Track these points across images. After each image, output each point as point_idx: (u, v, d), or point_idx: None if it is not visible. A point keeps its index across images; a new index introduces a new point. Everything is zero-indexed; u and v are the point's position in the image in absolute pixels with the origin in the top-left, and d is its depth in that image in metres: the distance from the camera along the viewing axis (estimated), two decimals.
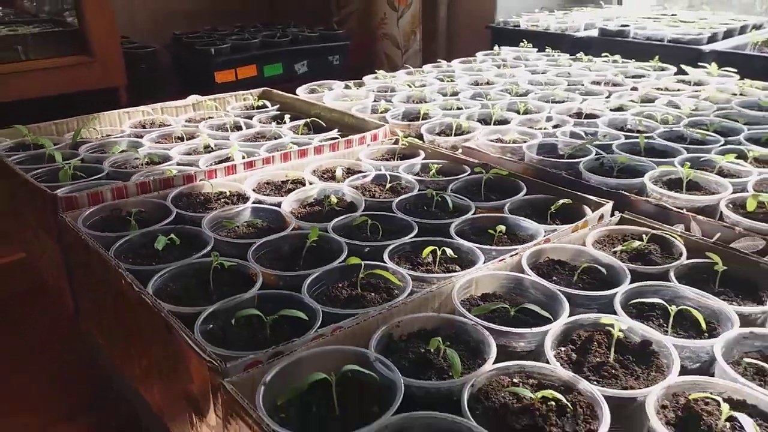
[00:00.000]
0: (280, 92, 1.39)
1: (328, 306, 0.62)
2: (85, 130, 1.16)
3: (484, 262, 0.70)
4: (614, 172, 0.93)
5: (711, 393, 0.53)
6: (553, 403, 0.51)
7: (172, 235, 0.73)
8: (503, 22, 2.06)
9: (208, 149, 1.07)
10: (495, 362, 0.55)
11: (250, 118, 1.25)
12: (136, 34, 2.10)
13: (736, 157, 0.93)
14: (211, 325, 0.60)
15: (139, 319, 0.65)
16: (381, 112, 1.27)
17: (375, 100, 1.36)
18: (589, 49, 1.77)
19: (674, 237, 0.75)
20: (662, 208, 0.81)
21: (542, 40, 1.87)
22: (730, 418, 0.50)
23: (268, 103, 1.34)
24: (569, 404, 0.51)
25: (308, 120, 1.22)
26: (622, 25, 1.79)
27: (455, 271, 0.70)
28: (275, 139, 1.12)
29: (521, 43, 1.85)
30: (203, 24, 2.21)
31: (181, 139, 1.13)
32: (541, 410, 0.51)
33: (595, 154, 0.97)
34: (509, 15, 2.13)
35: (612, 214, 0.83)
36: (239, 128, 1.19)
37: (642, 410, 0.51)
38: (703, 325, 0.61)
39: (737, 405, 0.52)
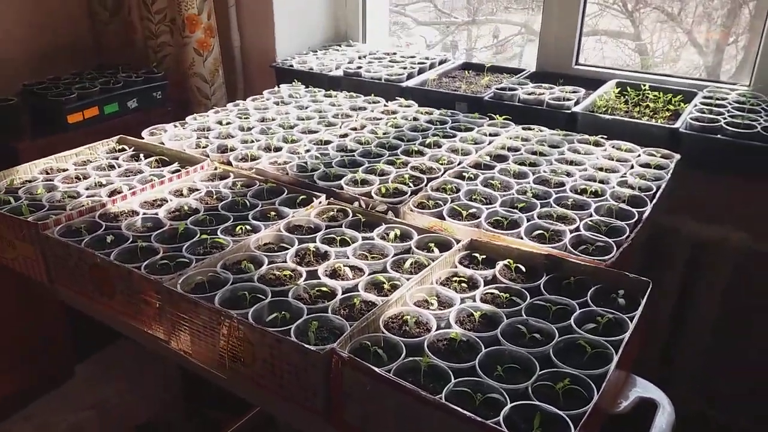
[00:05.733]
0: (132, 138, 2.11)
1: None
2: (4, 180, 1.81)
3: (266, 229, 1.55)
4: (331, 178, 1.83)
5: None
6: None
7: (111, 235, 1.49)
8: (281, 62, 2.89)
9: (99, 185, 1.79)
10: None
11: (117, 158, 1.97)
12: None
13: (388, 164, 1.89)
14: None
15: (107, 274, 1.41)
16: (203, 147, 2.06)
17: (198, 138, 2.14)
18: (338, 86, 2.68)
19: (348, 208, 1.66)
20: (351, 195, 1.73)
21: (308, 78, 2.75)
22: None
23: (126, 147, 2.06)
24: None
25: (156, 157, 1.98)
26: (358, 67, 2.72)
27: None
28: (140, 173, 1.87)
29: (293, 82, 2.71)
30: (32, 72, 2.75)
31: (79, 178, 1.83)
32: None
33: (322, 169, 1.87)
34: (288, 55, 2.97)
35: (328, 201, 1.73)
36: (113, 167, 1.91)
37: None
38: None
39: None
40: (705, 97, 2.23)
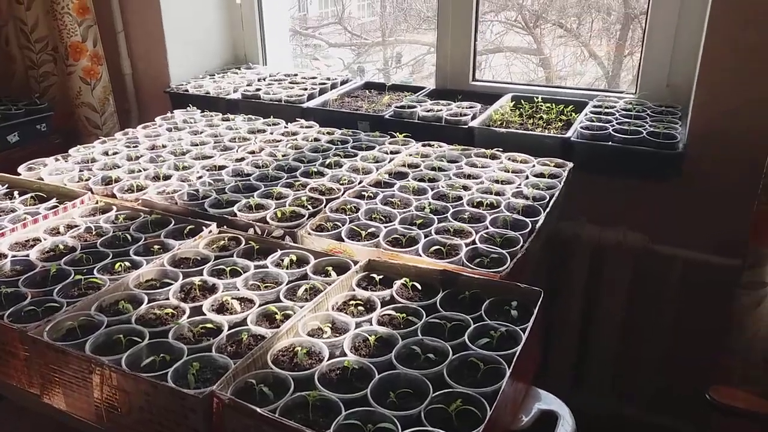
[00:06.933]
0: (6, 175, 1.94)
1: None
2: None
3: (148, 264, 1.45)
4: (224, 205, 1.75)
5: None
6: None
7: None
8: (175, 87, 2.77)
9: None
10: None
11: None
12: None
13: (286, 186, 1.83)
14: None
15: None
16: (85, 180, 1.92)
17: (80, 170, 1.99)
18: (236, 109, 2.60)
19: (241, 236, 1.58)
20: (245, 222, 1.65)
21: (205, 102, 2.65)
22: None
23: None
24: None
25: (33, 194, 1.83)
26: (257, 89, 2.65)
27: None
28: (13, 212, 1.71)
29: (188, 107, 2.61)
30: None
31: None
32: None
33: (214, 196, 1.78)
34: (184, 79, 2.86)
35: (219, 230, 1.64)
36: None
37: None
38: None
39: None
40: (595, 106, 2.30)
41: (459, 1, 2.50)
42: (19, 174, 1.96)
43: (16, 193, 1.84)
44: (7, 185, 1.90)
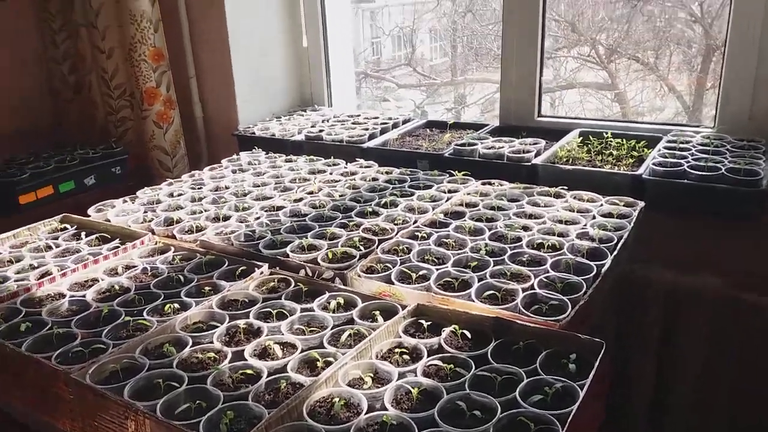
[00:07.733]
0: (76, 216, 2.03)
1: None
2: None
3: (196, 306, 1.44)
4: (278, 246, 1.74)
5: None
6: None
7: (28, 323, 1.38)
8: (243, 130, 2.84)
9: (31, 268, 1.70)
10: None
11: (56, 238, 1.89)
12: None
13: (340, 227, 1.80)
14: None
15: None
16: (148, 221, 1.98)
17: (145, 212, 2.05)
18: (300, 150, 2.63)
19: (291, 277, 1.56)
20: (296, 263, 1.63)
21: (270, 144, 2.69)
22: None
23: (68, 226, 1.98)
24: None
25: (98, 235, 1.89)
26: (319, 131, 2.67)
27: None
28: (77, 252, 1.77)
29: (253, 149, 2.66)
30: None
31: (11, 261, 1.74)
32: None
33: (269, 236, 1.78)
34: (252, 122, 2.93)
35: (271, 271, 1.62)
36: (50, 248, 1.82)
37: None
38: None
39: None
40: (669, 142, 2.16)
41: (523, 38, 2.45)
42: (89, 215, 2.04)
43: (83, 233, 1.91)
44: (76, 226, 1.97)
